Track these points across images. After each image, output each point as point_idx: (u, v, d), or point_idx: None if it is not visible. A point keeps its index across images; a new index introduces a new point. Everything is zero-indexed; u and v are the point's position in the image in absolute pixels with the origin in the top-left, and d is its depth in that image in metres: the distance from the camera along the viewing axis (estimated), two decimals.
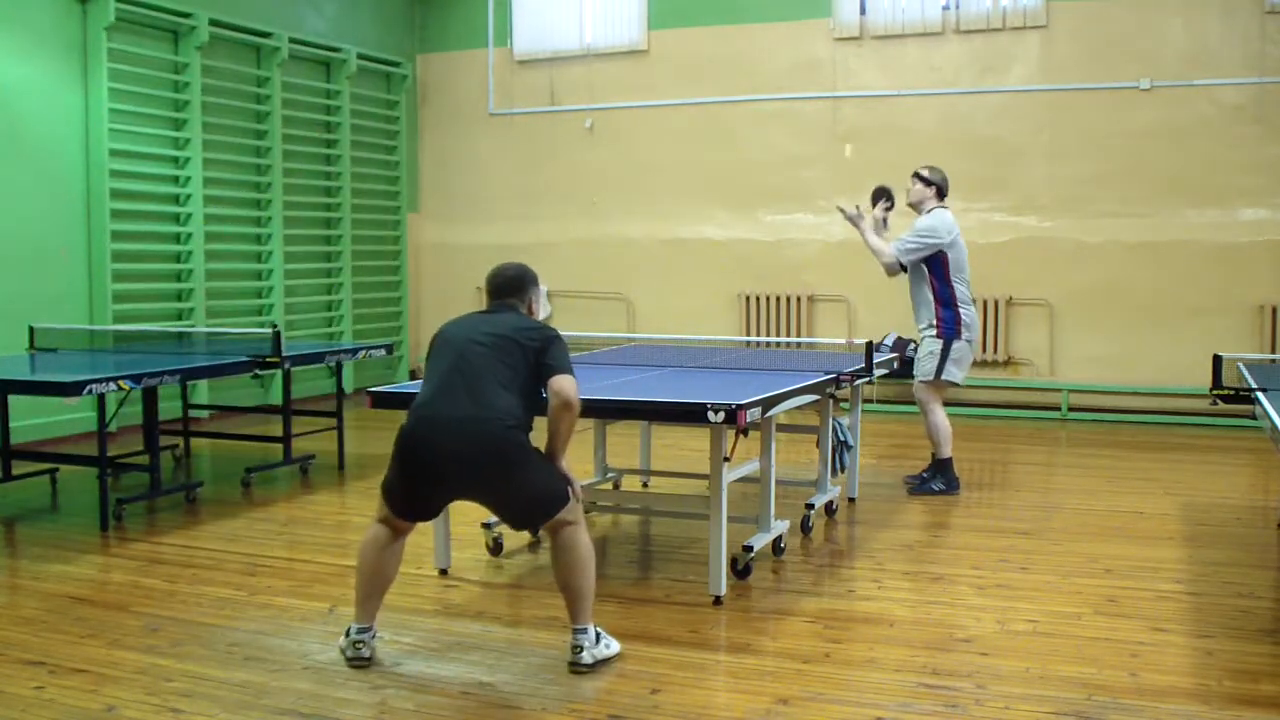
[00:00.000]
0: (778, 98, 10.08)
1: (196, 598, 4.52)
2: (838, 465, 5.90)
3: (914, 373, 6.44)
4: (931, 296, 6.31)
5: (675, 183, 10.43)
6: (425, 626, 4.17)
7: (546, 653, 3.86)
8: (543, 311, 10.72)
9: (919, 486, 6.42)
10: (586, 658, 3.71)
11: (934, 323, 6.31)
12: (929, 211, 6.40)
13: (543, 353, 3.82)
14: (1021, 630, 4.10)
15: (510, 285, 4.16)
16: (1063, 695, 3.46)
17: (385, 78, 11.21)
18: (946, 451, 6.38)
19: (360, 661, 3.77)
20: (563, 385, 3.75)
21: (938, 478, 6.41)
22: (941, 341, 6.29)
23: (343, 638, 3.84)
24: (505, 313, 4.04)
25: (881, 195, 6.57)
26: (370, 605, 3.85)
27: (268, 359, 6.40)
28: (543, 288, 3.93)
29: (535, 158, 10.98)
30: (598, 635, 3.78)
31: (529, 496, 3.74)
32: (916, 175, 6.50)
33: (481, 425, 3.66)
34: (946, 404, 6.59)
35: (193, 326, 8.81)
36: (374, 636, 3.84)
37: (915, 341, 6.59)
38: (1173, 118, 8.97)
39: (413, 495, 3.81)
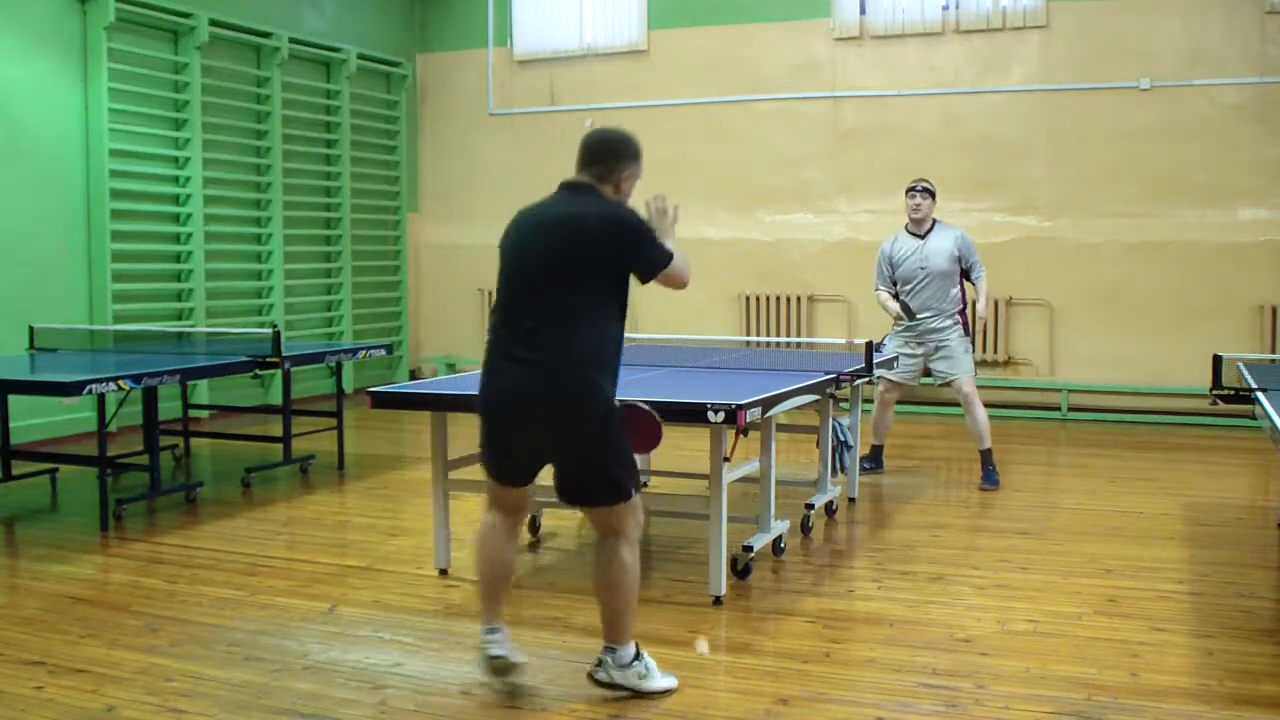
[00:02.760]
0: (778, 98, 10.08)
1: (196, 598, 4.52)
2: (838, 465, 5.90)
3: (953, 371, 6.59)
4: (958, 297, 6.64)
5: (674, 183, 10.29)
6: (425, 626, 4.17)
7: (546, 653, 3.86)
8: None
9: (988, 481, 6.57)
10: (602, 675, 3.48)
11: (959, 321, 6.63)
12: (936, 223, 6.69)
13: (624, 255, 3.41)
14: (1021, 630, 4.10)
15: (592, 154, 3.52)
16: (1063, 695, 3.46)
17: (385, 77, 11.21)
18: (990, 442, 6.66)
19: (497, 664, 3.49)
20: (670, 280, 3.53)
21: (994, 469, 6.62)
22: (968, 338, 6.67)
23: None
24: (579, 198, 3.47)
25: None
26: (491, 602, 3.59)
27: (268, 359, 6.40)
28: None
29: (535, 158, 10.96)
30: (638, 661, 3.46)
31: (593, 459, 3.41)
32: (929, 191, 6.64)
33: (551, 371, 3.33)
34: (948, 403, 6.67)
35: (193, 326, 8.80)
36: (506, 637, 3.54)
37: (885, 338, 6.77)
38: (1173, 118, 8.97)
39: (498, 448, 3.54)
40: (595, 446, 3.39)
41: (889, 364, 6.37)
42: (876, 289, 6.79)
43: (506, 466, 3.57)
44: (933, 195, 6.67)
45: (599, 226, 3.37)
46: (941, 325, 6.59)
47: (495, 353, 3.46)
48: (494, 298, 3.57)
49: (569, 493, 3.50)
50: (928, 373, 6.79)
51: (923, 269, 6.57)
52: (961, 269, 6.62)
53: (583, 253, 3.36)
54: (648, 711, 3.36)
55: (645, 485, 6.41)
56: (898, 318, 6.66)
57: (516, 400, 3.39)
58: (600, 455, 3.40)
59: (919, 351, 6.66)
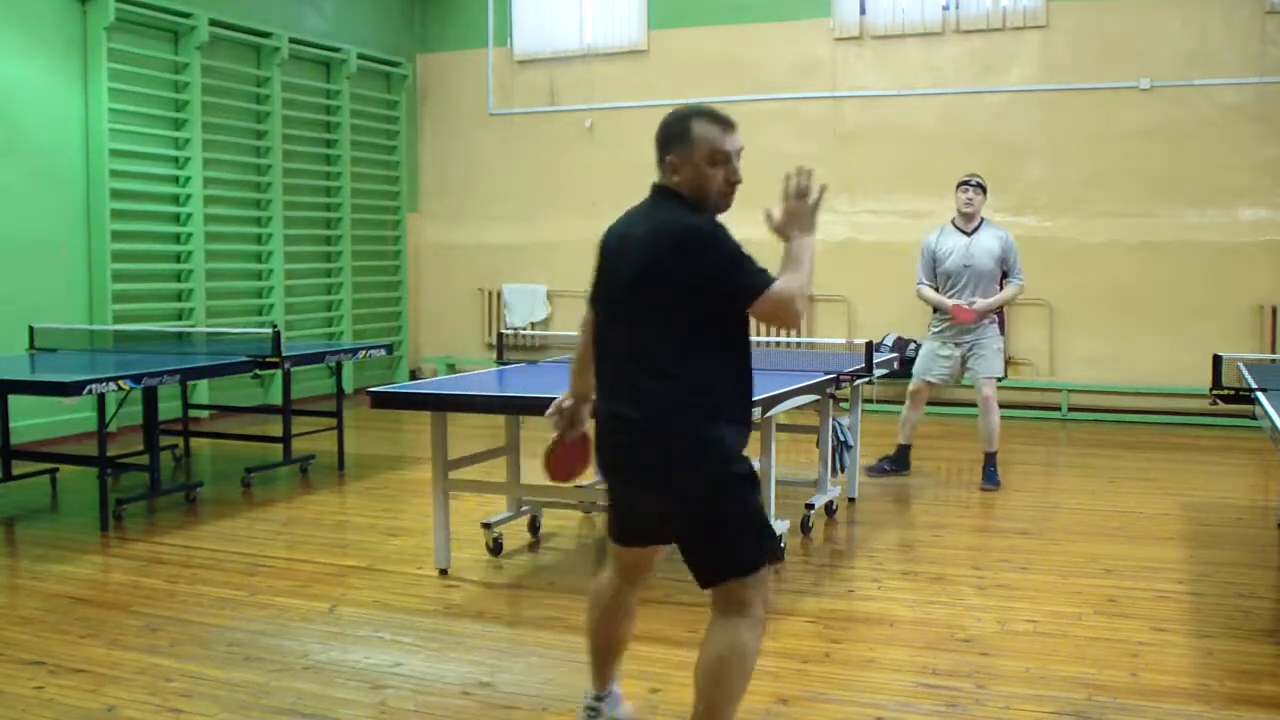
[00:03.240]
0: (778, 98, 10.08)
1: (196, 598, 4.52)
2: (838, 465, 5.90)
3: (979, 369, 6.55)
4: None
5: None
6: (425, 626, 4.17)
7: (547, 653, 3.86)
8: (541, 311, 10.84)
9: (989, 481, 6.55)
10: None
11: (994, 321, 6.60)
12: (983, 221, 6.64)
13: (698, 277, 2.71)
14: (1021, 630, 4.10)
15: (657, 146, 2.89)
16: (1063, 695, 3.46)
17: (385, 78, 11.21)
18: (997, 445, 6.63)
19: None
20: (771, 309, 2.72)
21: (995, 470, 6.60)
22: (1002, 337, 6.63)
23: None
24: (659, 203, 2.87)
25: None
26: (597, 667, 3.14)
27: (268, 359, 6.40)
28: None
29: (535, 158, 10.98)
30: None
31: (707, 524, 2.81)
32: (981, 187, 6.60)
33: (644, 430, 2.78)
34: (949, 403, 6.68)
35: (193, 326, 8.81)
36: (614, 705, 3.15)
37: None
38: (1172, 118, 8.97)
39: (614, 499, 3.04)
40: (706, 509, 2.78)
41: (889, 364, 6.37)
42: (919, 283, 6.68)
43: (621, 522, 3.04)
44: (984, 191, 6.61)
45: (661, 240, 2.75)
46: (986, 325, 6.55)
47: (598, 395, 2.99)
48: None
49: (688, 564, 2.89)
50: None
51: (967, 267, 6.49)
52: (1002, 271, 6.56)
53: (655, 275, 2.73)
54: (648, 712, 3.36)
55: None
56: (948, 315, 6.53)
57: (616, 459, 2.91)
58: (714, 519, 2.78)
59: (955, 352, 6.62)
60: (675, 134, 2.84)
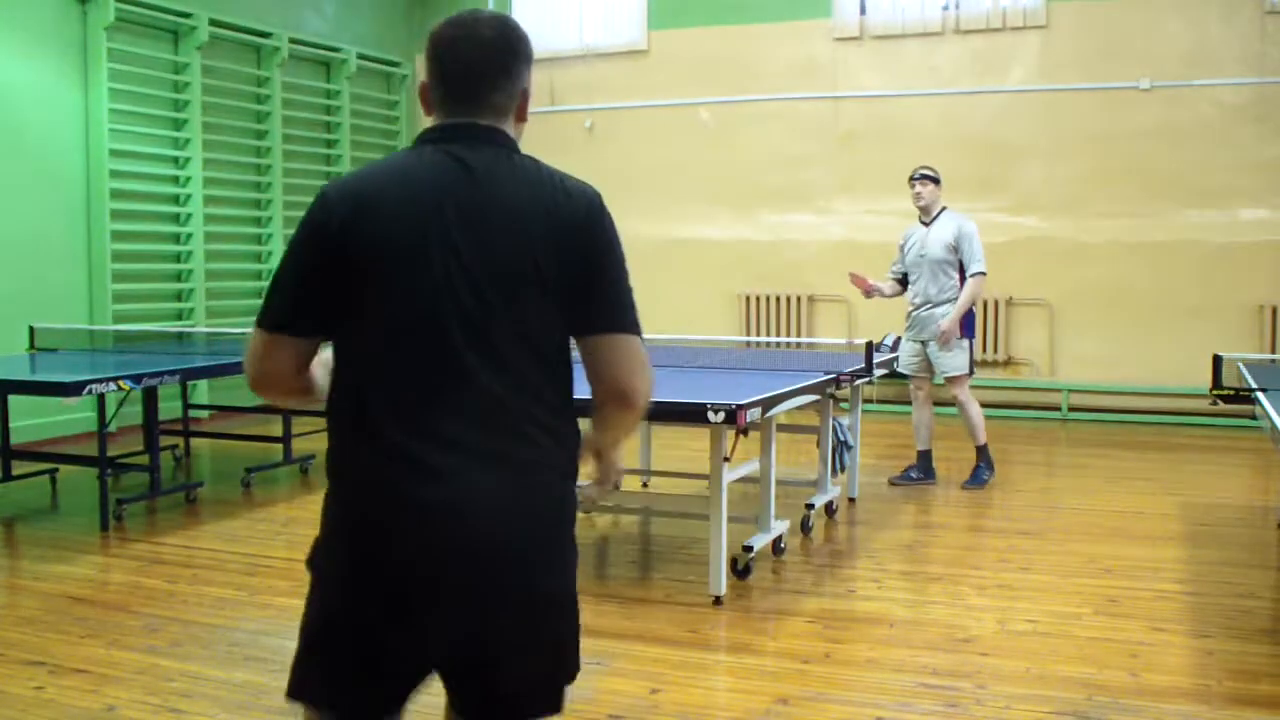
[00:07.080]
0: (778, 98, 10.08)
1: (196, 598, 4.52)
2: (838, 465, 5.90)
3: (941, 366, 6.48)
4: (955, 288, 6.46)
5: (675, 183, 10.43)
6: None
7: None
8: None
9: (973, 481, 6.52)
10: None
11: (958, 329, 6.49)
12: (944, 210, 6.54)
13: (583, 278, 1.86)
14: (1021, 630, 4.10)
15: (513, 62, 1.93)
16: (1063, 695, 3.46)
17: (385, 78, 11.22)
18: (984, 438, 6.57)
19: None
20: (621, 370, 1.86)
21: (985, 467, 6.57)
22: (967, 340, 6.50)
23: None
24: (492, 156, 1.97)
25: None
26: None
27: None
28: None
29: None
30: None
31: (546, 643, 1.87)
32: (927, 178, 6.54)
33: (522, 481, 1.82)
34: (948, 403, 6.67)
35: (193, 326, 8.81)
36: None
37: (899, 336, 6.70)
38: (1173, 118, 8.97)
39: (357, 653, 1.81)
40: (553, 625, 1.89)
41: (889, 364, 6.36)
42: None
43: (363, 687, 1.83)
44: (935, 181, 6.53)
45: (557, 216, 1.90)
46: (938, 315, 6.47)
47: (365, 463, 1.80)
48: (342, 354, 1.86)
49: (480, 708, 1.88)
50: None
51: (922, 256, 6.48)
52: (959, 261, 6.44)
53: (532, 263, 1.83)
54: (648, 711, 3.36)
55: (646, 485, 6.40)
56: (911, 308, 6.56)
57: (435, 559, 1.76)
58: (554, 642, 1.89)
59: (918, 346, 6.59)
60: (529, 55, 1.96)
